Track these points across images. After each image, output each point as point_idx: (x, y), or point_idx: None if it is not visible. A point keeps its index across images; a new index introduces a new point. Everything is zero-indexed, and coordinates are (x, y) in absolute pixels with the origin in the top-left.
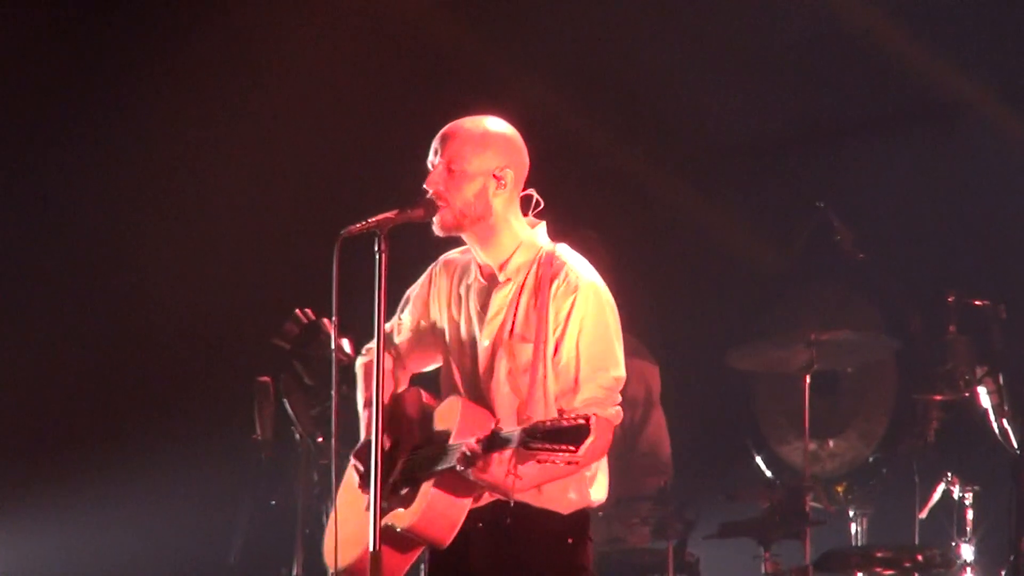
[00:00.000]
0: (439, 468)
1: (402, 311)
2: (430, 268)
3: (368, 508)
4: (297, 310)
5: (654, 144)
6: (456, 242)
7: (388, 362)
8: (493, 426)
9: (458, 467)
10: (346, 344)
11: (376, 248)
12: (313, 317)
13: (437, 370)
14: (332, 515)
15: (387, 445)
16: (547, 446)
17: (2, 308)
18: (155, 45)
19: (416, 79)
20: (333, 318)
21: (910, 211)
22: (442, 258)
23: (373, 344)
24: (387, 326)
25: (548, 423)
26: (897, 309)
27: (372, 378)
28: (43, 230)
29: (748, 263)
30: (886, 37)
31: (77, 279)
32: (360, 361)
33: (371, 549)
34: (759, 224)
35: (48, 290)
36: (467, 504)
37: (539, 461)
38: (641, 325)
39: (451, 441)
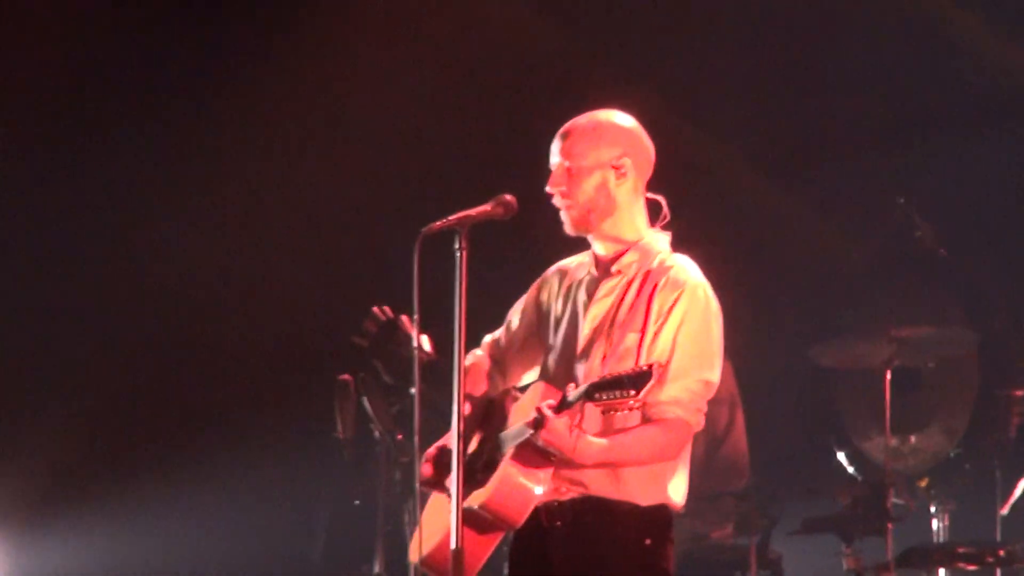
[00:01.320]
0: (514, 443)
1: (512, 315)
2: (539, 278)
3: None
4: (376, 308)
5: (736, 140)
6: (537, 240)
7: (488, 365)
8: (561, 392)
9: (527, 433)
10: (425, 342)
11: (456, 246)
12: (392, 315)
13: None
14: (426, 509)
15: (478, 442)
16: (610, 395)
17: (91, 304)
18: (242, 42)
19: (501, 79)
20: (413, 316)
21: (991, 205)
22: (551, 268)
23: (476, 349)
24: (496, 332)
25: (610, 373)
26: (978, 304)
27: (470, 382)
28: (127, 231)
29: (830, 259)
30: (967, 30)
31: (165, 278)
32: (467, 362)
33: (452, 546)
34: (841, 220)
35: (134, 288)
36: (540, 483)
37: (604, 412)
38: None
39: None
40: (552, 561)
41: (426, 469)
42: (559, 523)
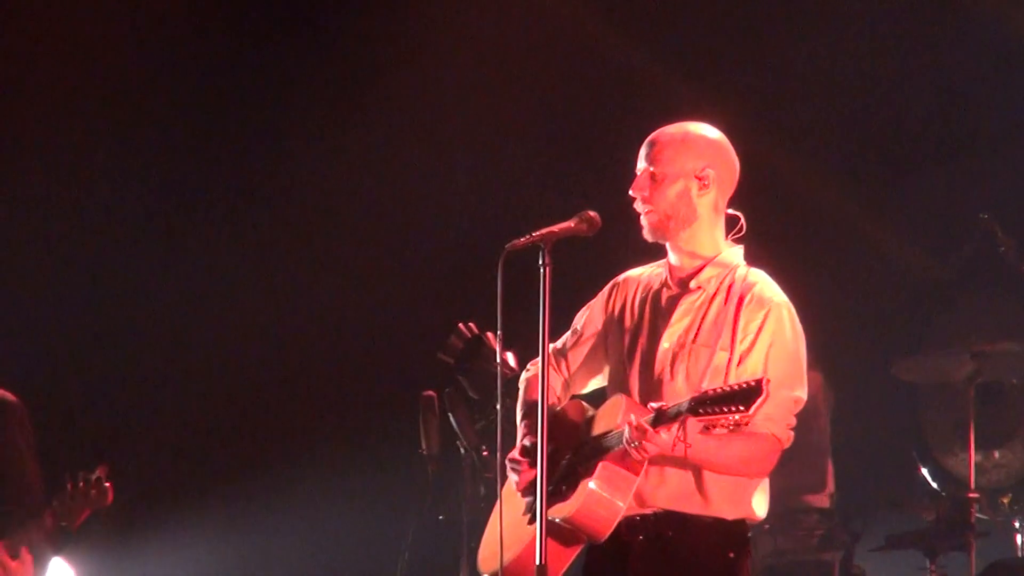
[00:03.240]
0: (601, 456)
1: (578, 322)
2: (609, 284)
3: (525, 512)
4: (460, 324)
5: (822, 156)
6: (615, 258)
7: (554, 376)
8: (657, 406)
9: (626, 444)
10: (510, 358)
11: (540, 261)
12: (477, 331)
13: (600, 390)
14: (492, 518)
15: (549, 451)
16: (716, 409)
17: (181, 328)
18: (321, 62)
19: (585, 98)
20: (497, 332)
21: None
22: (622, 275)
23: (537, 359)
24: (559, 342)
25: (718, 388)
26: None
27: (535, 391)
28: (216, 258)
29: (913, 274)
30: None
31: (252, 298)
32: (524, 375)
33: (538, 562)
34: (924, 235)
35: (223, 311)
36: (626, 497)
37: (707, 427)
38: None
39: (611, 430)
40: (631, 574)
41: (515, 468)
42: (641, 537)
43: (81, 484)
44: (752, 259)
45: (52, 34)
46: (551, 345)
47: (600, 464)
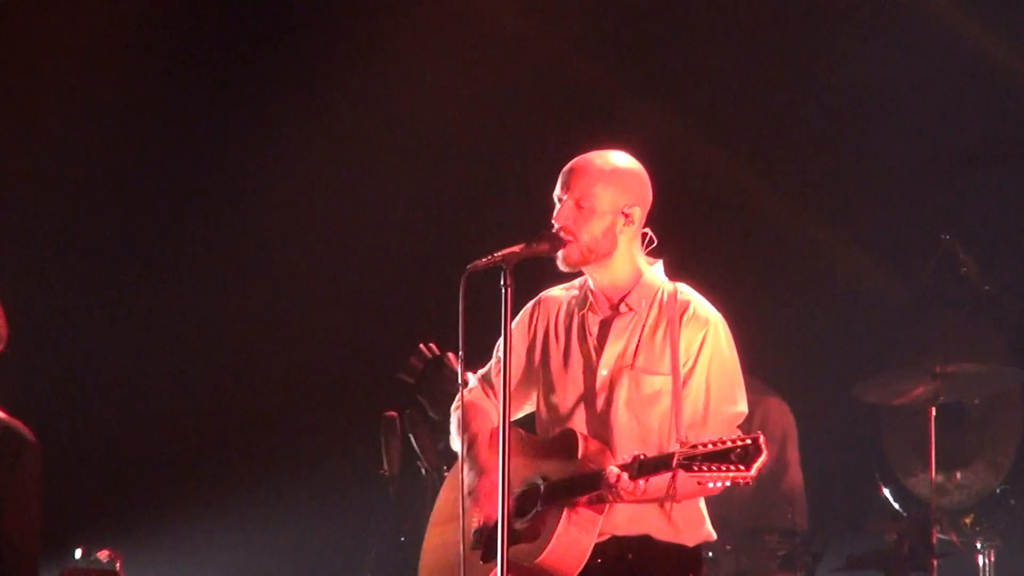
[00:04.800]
0: (573, 493)
1: (498, 351)
2: (529, 307)
3: (475, 548)
4: (421, 345)
5: (779, 176)
6: (564, 277)
7: (485, 402)
8: (634, 455)
9: (603, 490)
10: (472, 378)
11: (502, 282)
12: (438, 352)
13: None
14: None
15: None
16: (712, 467)
17: (143, 341)
18: (284, 80)
19: (541, 114)
20: (459, 352)
21: None
22: (541, 296)
23: (473, 383)
24: (484, 369)
25: (710, 444)
26: None
27: (476, 415)
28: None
29: (874, 295)
30: (1014, 67)
31: (216, 318)
32: (455, 403)
33: None
34: (884, 256)
35: (185, 328)
36: (593, 536)
37: (700, 483)
38: (764, 359)
39: (578, 471)
40: None
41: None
42: (599, 560)
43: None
44: (711, 284)
45: (21, 28)
46: (478, 373)
47: (568, 509)
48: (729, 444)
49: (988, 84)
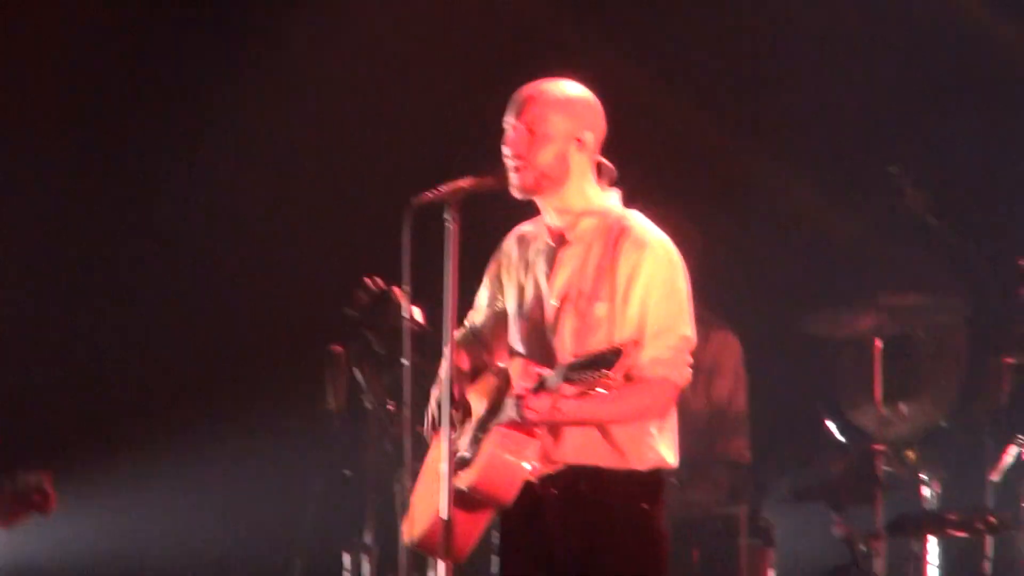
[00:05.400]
0: (494, 422)
1: (478, 294)
2: (502, 243)
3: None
4: (367, 279)
5: (729, 111)
6: (524, 211)
7: (471, 340)
8: (539, 372)
9: (510, 413)
10: (417, 313)
11: (447, 217)
12: (383, 286)
13: None
14: (412, 489)
15: (461, 419)
16: (585, 375)
17: (75, 288)
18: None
19: (489, 45)
20: (404, 287)
21: (983, 175)
22: (512, 232)
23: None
24: (467, 319)
25: (584, 353)
26: (969, 273)
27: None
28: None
29: (821, 227)
30: (960, 3)
31: (153, 253)
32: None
33: (443, 517)
34: (832, 190)
35: (119, 267)
36: (527, 459)
37: (581, 392)
38: (711, 293)
39: (507, 396)
40: (546, 529)
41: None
42: (554, 491)
43: (23, 487)
44: (660, 218)
45: None
46: (465, 324)
47: (495, 430)
48: (599, 350)
49: (938, 18)
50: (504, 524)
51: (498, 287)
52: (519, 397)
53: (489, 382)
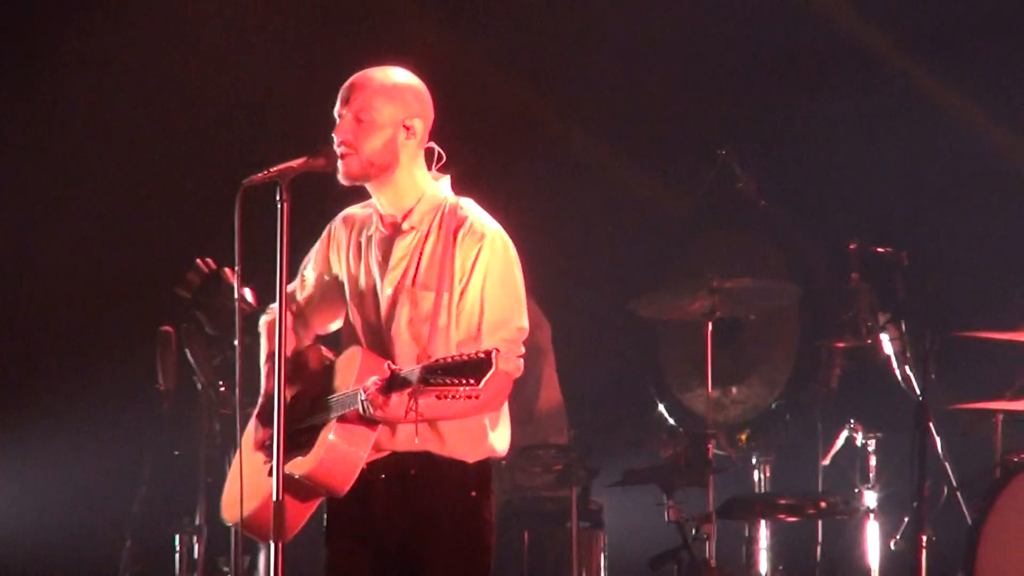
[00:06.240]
0: (338, 413)
1: (304, 269)
2: (329, 224)
3: (266, 462)
4: (198, 260)
5: (557, 93)
6: (358, 194)
7: (291, 320)
8: (390, 368)
9: (360, 409)
10: (248, 294)
11: (278, 198)
12: (215, 267)
13: (339, 330)
14: (233, 468)
15: (289, 399)
16: (446, 380)
17: None
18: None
19: (321, 26)
20: (235, 268)
21: (813, 159)
22: (341, 213)
23: (275, 304)
24: (290, 286)
25: (448, 358)
26: (800, 256)
27: (272, 335)
28: None
29: (651, 210)
30: None
31: None
32: (263, 319)
33: (274, 499)
34: (662, 171)
35: None
36: (365, 451)
37: (438, 397)
38: (540, 273)
39: (351, 387)
40: (373, 512)
41: (261, 433)
42: (383, 475)
43: None
44: (490, 201)
45: None
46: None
47: (338, 423)
48: (464, 357)
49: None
50: (331, 505)
51: (325, 267)
52: (369, 394)
53: (321, 361)
